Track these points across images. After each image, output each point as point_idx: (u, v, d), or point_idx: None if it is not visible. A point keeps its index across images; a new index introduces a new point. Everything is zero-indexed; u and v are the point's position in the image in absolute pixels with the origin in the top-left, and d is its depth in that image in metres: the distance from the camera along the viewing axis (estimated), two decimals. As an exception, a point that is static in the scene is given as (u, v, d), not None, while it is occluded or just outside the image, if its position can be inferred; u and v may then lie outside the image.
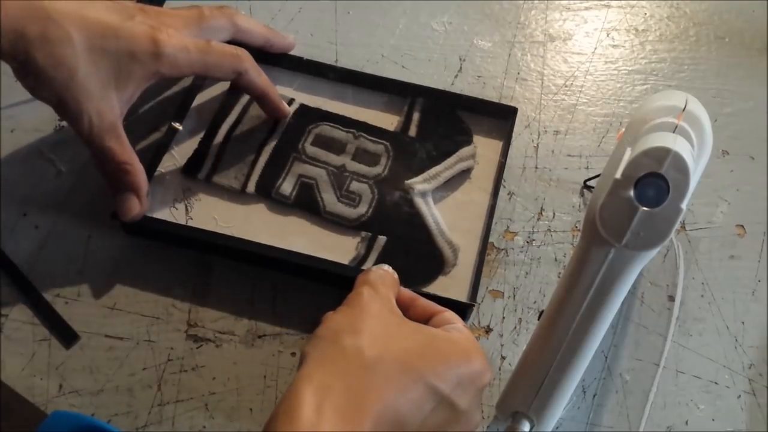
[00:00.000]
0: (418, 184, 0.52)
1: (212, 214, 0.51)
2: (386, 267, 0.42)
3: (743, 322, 0.50)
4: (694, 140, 0.37)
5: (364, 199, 0.51)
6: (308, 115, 0.55)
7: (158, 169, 0.52)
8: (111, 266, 0.50)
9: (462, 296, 0.48)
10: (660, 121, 0.37)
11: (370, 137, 0.54)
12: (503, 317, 0.49)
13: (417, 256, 0.49)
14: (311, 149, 0.53)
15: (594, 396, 0.47)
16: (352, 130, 0.54)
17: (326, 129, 0.54)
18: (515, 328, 0.49)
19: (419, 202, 0.51)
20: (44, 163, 0.53)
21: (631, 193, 0.35)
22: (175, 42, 0.46)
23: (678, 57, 0.61)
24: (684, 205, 0.35)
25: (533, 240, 0.52)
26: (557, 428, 0.45)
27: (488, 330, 0.49)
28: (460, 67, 0.60)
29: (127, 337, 0.47)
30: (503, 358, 0.48)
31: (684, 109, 0.37)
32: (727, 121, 0.58)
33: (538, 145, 0.56)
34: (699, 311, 0.50)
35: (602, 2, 0.65)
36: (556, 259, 0.51)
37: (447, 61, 0.60)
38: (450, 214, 0.51)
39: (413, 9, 0.63)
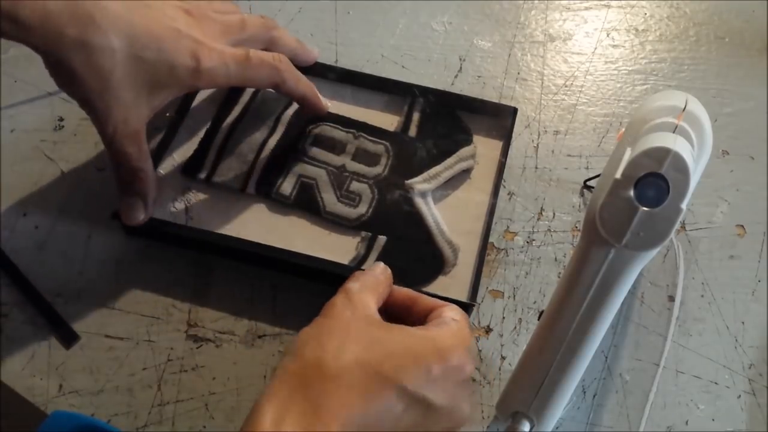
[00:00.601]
0: (418, 184, 0.52)
1: (212, 214, 0.51)
2: (380, 266, 0.42)
3: (743, 322, 0.50)
4: (694, 140, 0.37)
5: (364, 199, 0.51)
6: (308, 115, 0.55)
7: (158, 169, 0.52)
8: (111, 266, 0.50)
9: (462, 296, 0.48)
10: (660, 121, 0.37)
11: (370, 137, 0.54)
12: (503, 317, 0.49)
13: (417, 256, 0.49)
14: (311, 149, 0.53)
15: (594, 396, 0.47)
16: (352, 130, 0.54)
17: (326, 129, 0.54)
18: (515, 328, 0.49)
19: (419, 202, 0.51)
20: (44, 163, 0.53)
21: (631, 193, 0.35)
22: (215, 58, 0.45)
23: (678, 57, 0.61)
24: (684, 205, 0.35)
25: (533, 240, 0.52)
26: (557, 428, 0.45)
27: (488, 330, 0.49)
28: (460, 67, 0.60)
29: (127, 337, 0.47)
30: (503, 358, 0.48)
31: (684, 109, 0.37)
32: (727, 121, 0.58)
33: (538, 145, 0.56)
34: (699, 311, 0.50)
35: (602, 2, 0.65)
36: (556, 259, 0.51)
37: (447, 61, 0.60)
38: (450, 214, 0.51)
39: (413, 9, 0.63)
